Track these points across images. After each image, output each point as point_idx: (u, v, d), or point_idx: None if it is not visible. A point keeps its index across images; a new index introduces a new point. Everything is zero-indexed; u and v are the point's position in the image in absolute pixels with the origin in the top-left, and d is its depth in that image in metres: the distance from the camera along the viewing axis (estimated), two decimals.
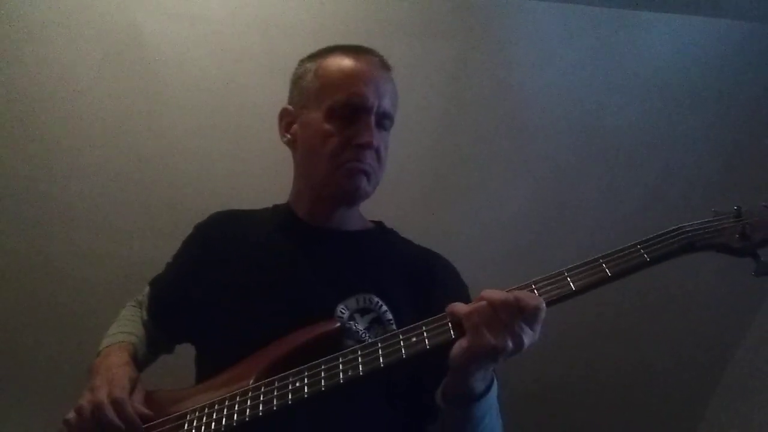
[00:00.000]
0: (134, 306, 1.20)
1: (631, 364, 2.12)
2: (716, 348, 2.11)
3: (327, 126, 1.00)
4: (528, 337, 0.76)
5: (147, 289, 1.20)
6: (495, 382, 0.85)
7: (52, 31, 1.70)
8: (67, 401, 0.96)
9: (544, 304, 0.77)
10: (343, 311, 0.95)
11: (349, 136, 0.99)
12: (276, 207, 1.17)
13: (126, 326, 1.14)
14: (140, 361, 1.09)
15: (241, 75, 1.74)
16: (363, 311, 0.96)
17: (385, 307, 0.97)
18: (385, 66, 1.08)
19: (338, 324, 0.93)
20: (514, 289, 0.80)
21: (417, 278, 1.02)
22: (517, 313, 0.75)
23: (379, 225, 1.16)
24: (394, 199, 1.83)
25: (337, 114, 1.00)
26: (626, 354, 2.11)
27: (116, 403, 0.90)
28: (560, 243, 1.89)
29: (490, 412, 0.84)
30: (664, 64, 1.90)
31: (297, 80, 1.09)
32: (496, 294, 0.77)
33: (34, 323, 1.86)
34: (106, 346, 1.06)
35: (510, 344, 0.75)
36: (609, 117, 1.93)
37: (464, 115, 1.91)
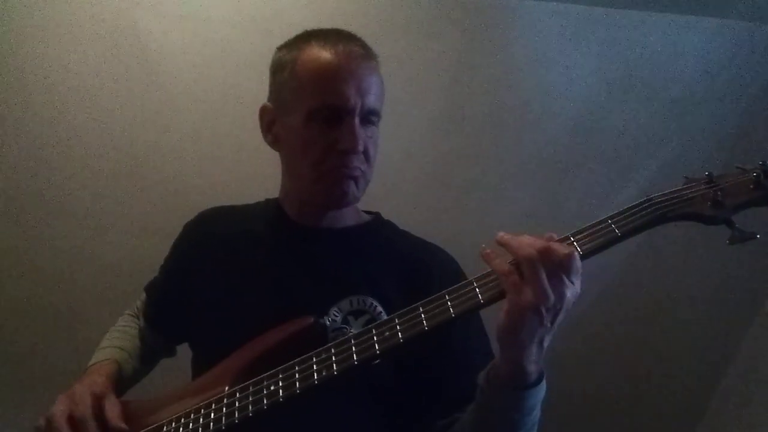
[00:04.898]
0: (131, 315, 1.19)
1: (630, 365, 2.12)
2: (716, 349, 2.11)
3: (308, 131, 0.93)
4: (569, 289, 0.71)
5: (143, 296, 1.18)
6: (544, 382, 0.78)
7: (51, 30, 1.70)
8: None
9: (575, 254, 0.72)
10: (336, 313, 0.92)
11: (333, 141, 0.91)
12: (267, 202, 1.12)
13: (115, 340, 1.12)
14: (129, 376, 1.07)
15: (241, 75, 1.74)
16: (357, 313, 0.93)
17: (380, 309, 0.93)
18: (367, 56, 0.96)
19: (312, 319, 0.89)
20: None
21: (413, 277, 0.97)
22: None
23: (375, 217, 1.09)
24: (394, 198, 1.83)
25: (317, 118, 0.92)
26: (625, 355, 2.11)
27: (78, 421, 0.88)
28: None
29: (538, 408, 0.78)
30: (664, 64, 1.90)
31: (274, 73, 1.01)
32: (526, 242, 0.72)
33: (30, 324, 1.86)
34: (91, 364, 1.05)
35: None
36: (608, 117, 1.93)
37: (464, 115, 1.91)
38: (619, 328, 2.07)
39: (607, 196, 1.94)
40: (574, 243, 0.76)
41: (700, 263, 1.99)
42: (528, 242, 0.72)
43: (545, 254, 0.71)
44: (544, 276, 0.70)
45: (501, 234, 0.75)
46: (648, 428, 2.19)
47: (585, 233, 0.77)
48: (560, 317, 0.72)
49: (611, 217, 0.77)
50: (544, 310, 0.70)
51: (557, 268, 0.71)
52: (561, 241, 0.76)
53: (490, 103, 1.90)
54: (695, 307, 2.06)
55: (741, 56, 1.89)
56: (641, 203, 0.78)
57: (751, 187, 0.75)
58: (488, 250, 0.75)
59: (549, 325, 0.72)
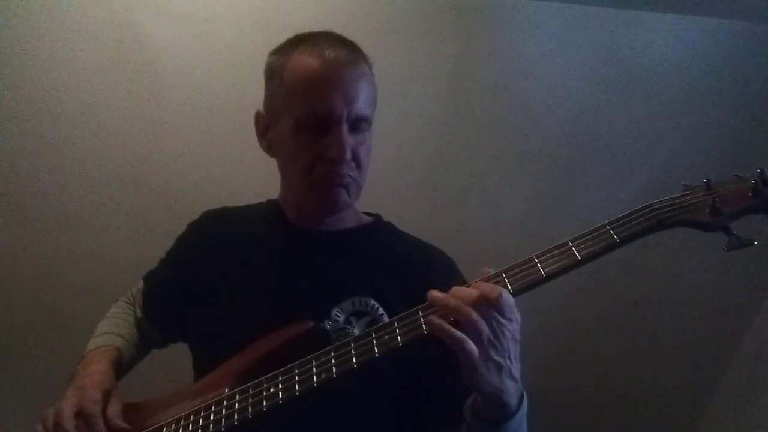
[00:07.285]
0: (125, 302, 1.19)
1: (631, 366, 2.12)
2: (716, 349, 2.11)
3: (297, 140, 0.93)
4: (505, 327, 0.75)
5: (140, 284, 1.18)
6: (525, 398, 0.80)
7: (51, 30, 1.70)
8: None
9: (504, 293, 0.75)
10: (338, 315, 0.93)
11: (321, 149, 0.91)
12: (269, 203, 1.13)
13: (113, 326, 1.12)
14: (126, 364, 1.08)
15: (242, 75, 1.74)
16: (359, 314, 0.94)
17: (381, 310, 0.93)
18: (355, 61, 0.94)
19: (312, 323, 0.90)
20: (480, 280, 0.79)
21: (413, 278, 0.97)
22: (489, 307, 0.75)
23: (376, 219, 1.10)
24: (393, 198, 1.83)
25: (305, 127, 0.92)
26: (625, 355, 2.11)
27: (87, 417, 0.89)
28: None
29: (519, 430, 0.80)
30: (664, 64, 1.90)
31: (267, 79, 1.01)
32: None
33: (30, 324, 1.86)
34: (91, 350, 1.05)
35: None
36: (608, 117, 1.93)
37: (464, 115, 1.91)
38: (619, 329, 2.07)
39: (606, 196, 1.94)
40: (573, 249, 0.78)
41: (700, 263, 1.99)
42: (463, 297, 0.75)
43: (480, 306, 0.74)
44: (487, 331, 0.73)
45: (431, 293, 0.78)
46: (648, 428, 2.19)
47: (584, 239, 0.79)
48: (512, 350, 0.76)
49: (610, 223, 0.79)
50: (495, 356, 0.74)
51: (493, 313, 0.74)
52: (558, 247, 0.79)
53: (490, 103, 1.90)
54: (695, 307, 2.06)
55: (741, 56, 1.89)
56: (640, 209, 0.79)
57: (749, 194, 0.75)
58: (437, 321, 0.76)
59: (508, 362, 0.75)
